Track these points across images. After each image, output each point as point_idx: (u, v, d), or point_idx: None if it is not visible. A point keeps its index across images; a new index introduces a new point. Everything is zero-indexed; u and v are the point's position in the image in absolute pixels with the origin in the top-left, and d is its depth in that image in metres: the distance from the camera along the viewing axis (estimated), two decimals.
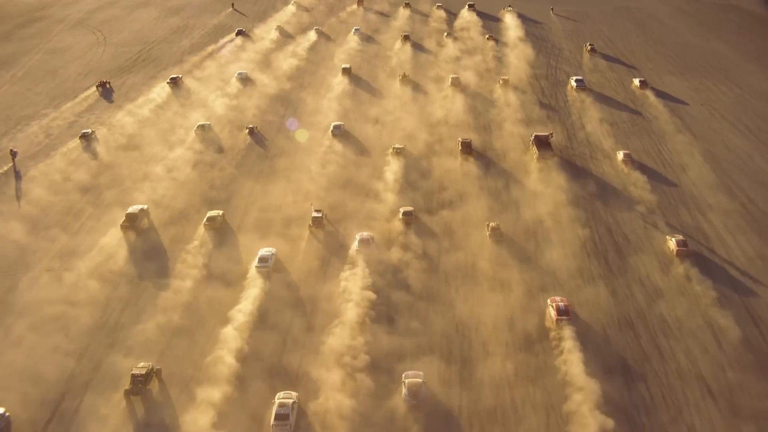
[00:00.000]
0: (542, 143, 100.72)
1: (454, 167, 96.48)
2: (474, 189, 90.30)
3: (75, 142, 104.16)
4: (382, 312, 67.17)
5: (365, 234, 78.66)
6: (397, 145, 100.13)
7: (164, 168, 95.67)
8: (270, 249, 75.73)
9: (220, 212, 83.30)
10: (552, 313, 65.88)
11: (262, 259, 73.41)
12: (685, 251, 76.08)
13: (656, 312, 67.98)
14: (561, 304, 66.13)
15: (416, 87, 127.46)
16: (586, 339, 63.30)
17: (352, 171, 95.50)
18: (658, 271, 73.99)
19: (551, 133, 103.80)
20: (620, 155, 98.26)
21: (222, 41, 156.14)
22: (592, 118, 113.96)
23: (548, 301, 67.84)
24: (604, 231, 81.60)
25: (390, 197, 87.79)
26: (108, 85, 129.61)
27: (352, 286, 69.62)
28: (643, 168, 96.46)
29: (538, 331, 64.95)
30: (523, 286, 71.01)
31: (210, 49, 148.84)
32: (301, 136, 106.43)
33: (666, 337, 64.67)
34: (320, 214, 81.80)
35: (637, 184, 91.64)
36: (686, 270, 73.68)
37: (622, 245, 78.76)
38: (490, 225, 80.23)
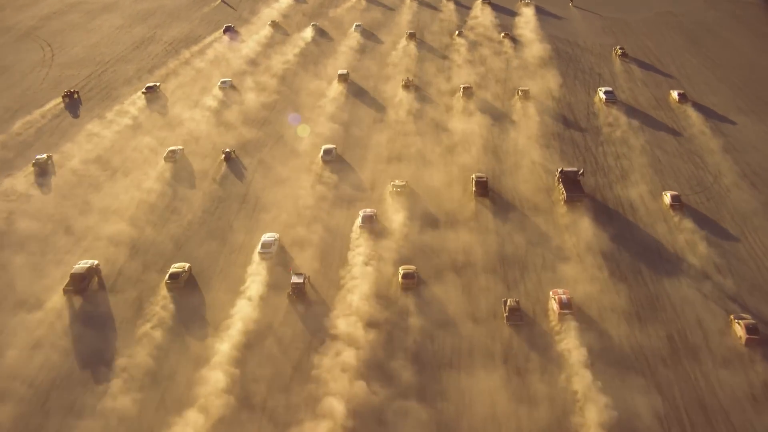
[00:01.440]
0: (570, 181, 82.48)
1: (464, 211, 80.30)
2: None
3: None
4: None
5: (368, 210, 77.74)
6: (397, 182, 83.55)
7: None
8: (273, 234, 73.67)
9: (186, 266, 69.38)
10: (554, 306, 63.54)
11: (265, 245, 71.61)
12: None
13: None
14: (564, 296, 63.78)
15: (421, 99, 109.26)
16: None
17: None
18: None
19: (581, 170, 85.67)
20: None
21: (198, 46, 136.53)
22: (638, 167, 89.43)
23: (550, 293, 65.39)
24: (692, 400, 55.65)
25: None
26: (76, 96, 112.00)
27: None
28: (732, 276, 70.11)
29: None
30: None
31: (160, 74, 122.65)
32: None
33: None
34: (302, 279, 66.09)
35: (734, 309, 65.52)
36: None
37: None
38: (508, 303, 64.23)
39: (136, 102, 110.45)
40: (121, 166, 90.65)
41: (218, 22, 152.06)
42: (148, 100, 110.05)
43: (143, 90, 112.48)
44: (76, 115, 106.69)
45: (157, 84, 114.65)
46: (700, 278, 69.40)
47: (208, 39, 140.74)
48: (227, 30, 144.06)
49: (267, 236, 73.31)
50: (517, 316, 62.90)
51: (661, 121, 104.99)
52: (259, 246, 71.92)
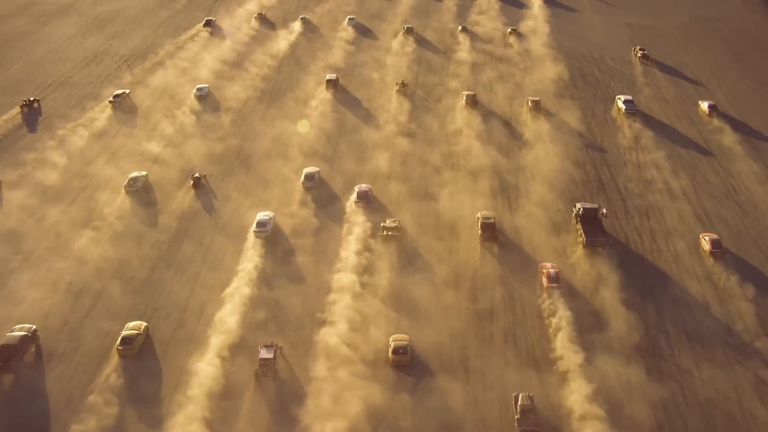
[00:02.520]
0: (591, 221, 71.45)
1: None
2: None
3: None
4: None
5: (364, 186, 77.34)
6: (388, 222, 72.98)
7: None
8: (268, 213, 73.13)
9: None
10: (544, 280, 63.86)
11: (260, 224, 71.05)
12: None
13: None
14: (552, 270, 64.25)
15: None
16: None
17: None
18: None
19: (604, 211, 73.33)
20: None
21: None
22: (693, 248, 69.54)
23: (539, 267, 65.77)
24: None
25: None
26: (37, 105, 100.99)
27: None
28: None
29: None
30: None
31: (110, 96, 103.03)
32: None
33: None
34: (272, 354, 55.22)
35: None
36: None
37: None
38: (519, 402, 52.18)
39: (63, 143, 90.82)
40: (32, 251, 70.70)
41: (186, 28, 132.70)
42: (75, 146, 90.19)
43: (110, 99, 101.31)
44: None
45: (126, 91, 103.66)
46: None
47: (161, 52, 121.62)
48: (207, 24, 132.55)
49: (262, 215, 72.38)
50: (531, 419, 50.94)
51: (714, 176, 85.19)
52: (254, 225, 70.89)
